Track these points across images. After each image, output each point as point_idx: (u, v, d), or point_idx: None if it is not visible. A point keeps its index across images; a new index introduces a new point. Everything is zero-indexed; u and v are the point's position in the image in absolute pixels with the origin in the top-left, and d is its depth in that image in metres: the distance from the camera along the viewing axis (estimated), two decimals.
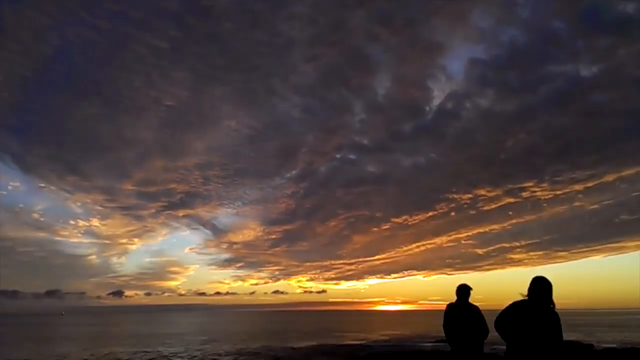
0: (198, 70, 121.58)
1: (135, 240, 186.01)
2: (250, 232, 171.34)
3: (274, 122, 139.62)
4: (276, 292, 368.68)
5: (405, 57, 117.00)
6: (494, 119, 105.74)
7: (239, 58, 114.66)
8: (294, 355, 21.70)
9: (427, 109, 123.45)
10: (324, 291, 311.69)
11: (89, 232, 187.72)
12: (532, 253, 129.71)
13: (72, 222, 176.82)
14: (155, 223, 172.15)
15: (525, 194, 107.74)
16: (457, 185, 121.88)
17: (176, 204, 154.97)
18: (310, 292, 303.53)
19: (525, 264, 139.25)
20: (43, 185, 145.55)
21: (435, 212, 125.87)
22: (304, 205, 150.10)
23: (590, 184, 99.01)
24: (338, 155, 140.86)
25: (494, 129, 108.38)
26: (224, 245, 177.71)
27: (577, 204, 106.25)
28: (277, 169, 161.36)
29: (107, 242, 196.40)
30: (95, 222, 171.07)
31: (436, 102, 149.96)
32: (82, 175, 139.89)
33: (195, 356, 21.90)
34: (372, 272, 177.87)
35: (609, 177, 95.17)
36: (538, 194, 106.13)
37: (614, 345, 21.86)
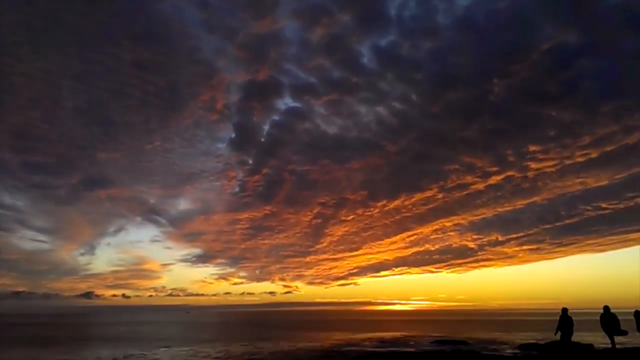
0: None
1: (78, 231, 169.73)
2: (209, 221, 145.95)
3: (161, 29, 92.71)
4: (244, 293, 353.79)
5: None
6: (479, 26, 79.43)
7: None
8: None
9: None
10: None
11: (22, 222, 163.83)
12: (525, 247, 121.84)
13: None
14: (91, 209, 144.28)
15: (525, 163, 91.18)
16: (439, 151, 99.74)
17: (93, 180, 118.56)
18: (297, 291, 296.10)
19: (520, 259, 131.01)
20: None
21: (421, 195, 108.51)
22: (258, 183, 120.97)
23: (608, 148, 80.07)
24: (281, 106, 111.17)
25: (480, 48, 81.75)
26: (189, 238, 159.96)
27: (579, 180, 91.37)
28: (202, 124, 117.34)
29: (53, 236, 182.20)
30: (23, 208, 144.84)
31: None
32: None
33: None
34: (361, 269, 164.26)
35: (631, 139, 76.60)
36: (537, 164, 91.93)
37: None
